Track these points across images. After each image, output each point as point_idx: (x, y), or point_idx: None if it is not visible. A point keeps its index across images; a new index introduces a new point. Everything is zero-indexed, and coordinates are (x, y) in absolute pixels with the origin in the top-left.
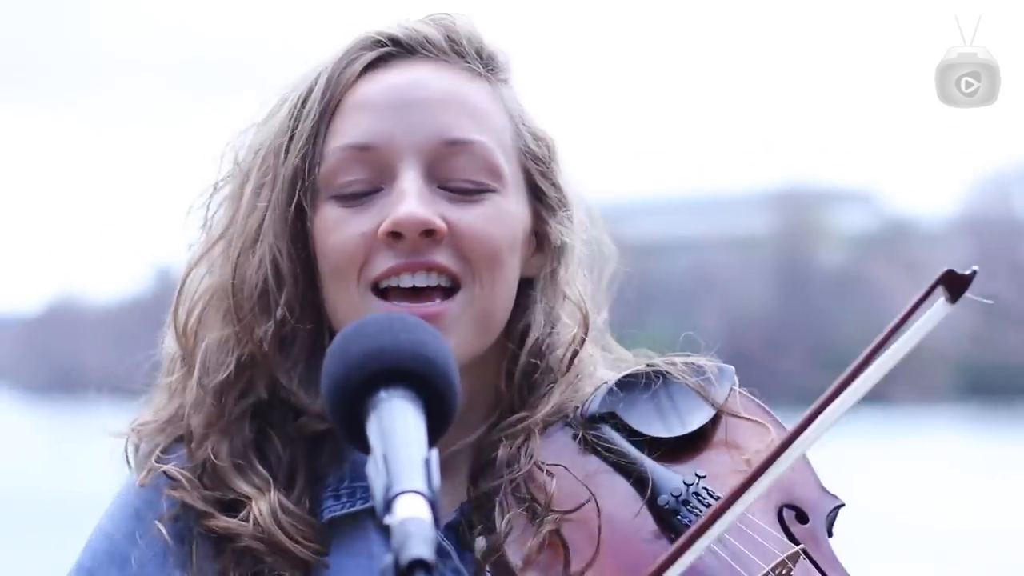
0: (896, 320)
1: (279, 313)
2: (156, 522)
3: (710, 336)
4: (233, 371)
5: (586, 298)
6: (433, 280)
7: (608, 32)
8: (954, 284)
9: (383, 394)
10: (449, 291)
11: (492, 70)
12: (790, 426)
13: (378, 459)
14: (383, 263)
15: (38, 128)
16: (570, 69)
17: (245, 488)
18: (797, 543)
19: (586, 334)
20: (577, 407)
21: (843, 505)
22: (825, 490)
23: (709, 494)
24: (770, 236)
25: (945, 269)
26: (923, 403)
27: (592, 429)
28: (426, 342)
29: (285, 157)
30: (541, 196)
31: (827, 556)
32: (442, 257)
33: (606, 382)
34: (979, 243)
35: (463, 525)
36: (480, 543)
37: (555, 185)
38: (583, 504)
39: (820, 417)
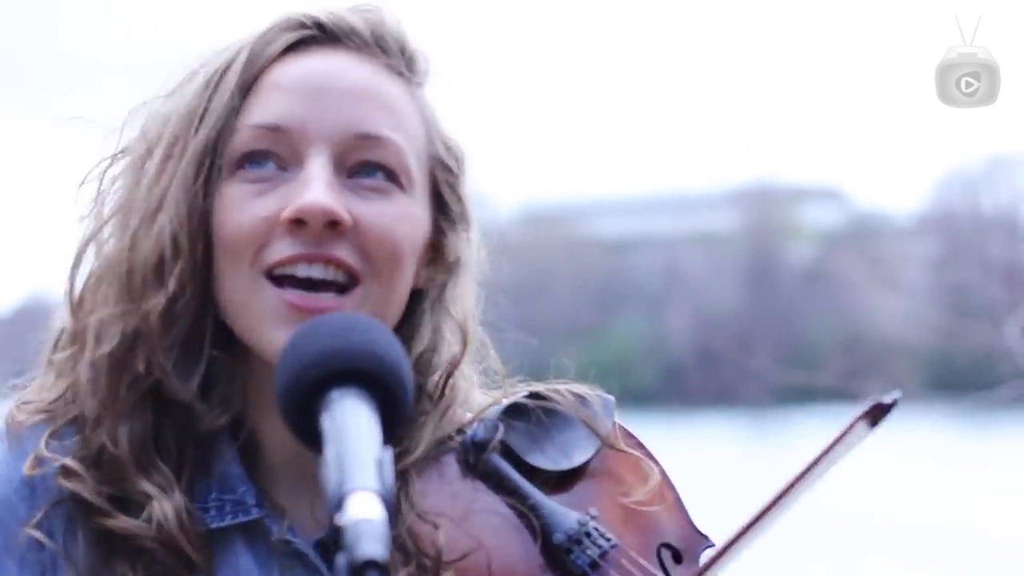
0: (824, 447)
1: (170, 286)
2: (28, 527)
3: (679, 333)
4: (119, 346)
5: (470, 318)
6: (330, 274)
7: (577, 29)
8: (877, 412)
9: (335, 394)
10: (344, 288)
11: (412, 71)
12: (663, 462)
13: (331, 458)
14: (281, 250)
15: (6, 131)
16: (539, 67)
17: (147, 486)
18: None
19: (462, 356)
20: (463, 432)
21: (712, 545)
22: (697, 529)
23: (600, 534)
24: (739, 233)
25: (872, 401)
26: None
27: (480, 457)
28: (378, 341)
29: (197, 129)
30: (444, 207)
31: None
32: (343, 252)
33: (494, 405)
34: (947, 239)
35: (333, 544)
36: None
37: (459, 198)
38: (469, 554)
39: (745, 535)
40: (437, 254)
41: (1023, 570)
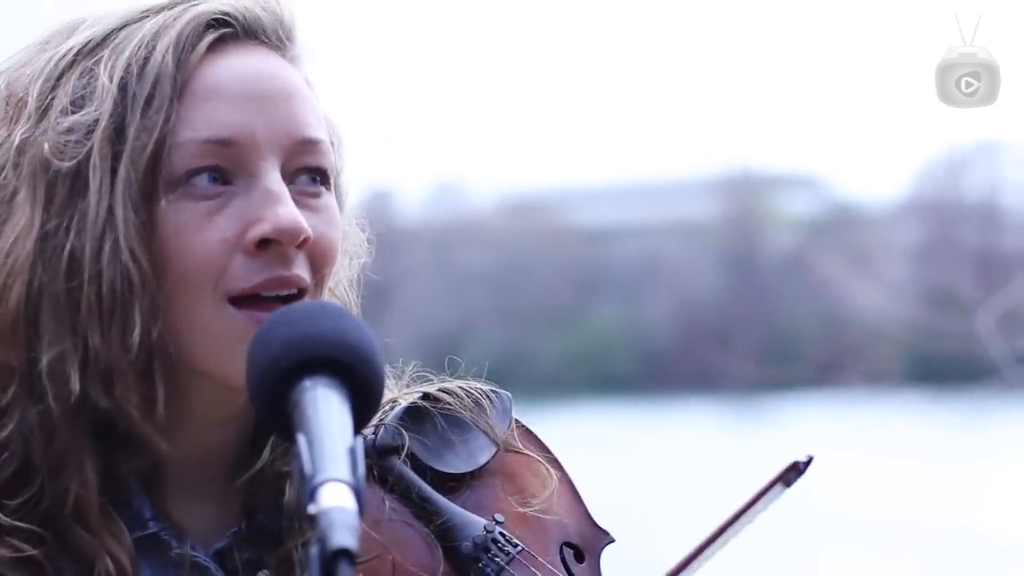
0: (742, 506)
1: (136, 317)
2: None
3: (659, 321)
4: (82, 384)
5: (351, 301)
6: (293, 292)
7: (557, 18)
8: (793, 473)
9: (307, 383)
10: (288, 299)
11: (302, 55)
12: (560, 457)
13: (302, 448)
14: (247, 276)
15: None
16: (519, 55)
17: (106, 539)
18: None
19: None
20: (364, 436)
21: (613, 540)
22: (597, 525)
23: (507, 540)
24: (718, 222)
25: (790, 462)
26: (870, 389)
27: (383, 463)
28: (350, 329)
29: (128, 143)
30: (337, 191)
31: None
32: (301, 269)
33: (394, 405)
34: (926, 228)
35: (232, 552)
36: None
37: (341, 176)
38: (374, 558)
39: None
40: None
41: (1003, 561)
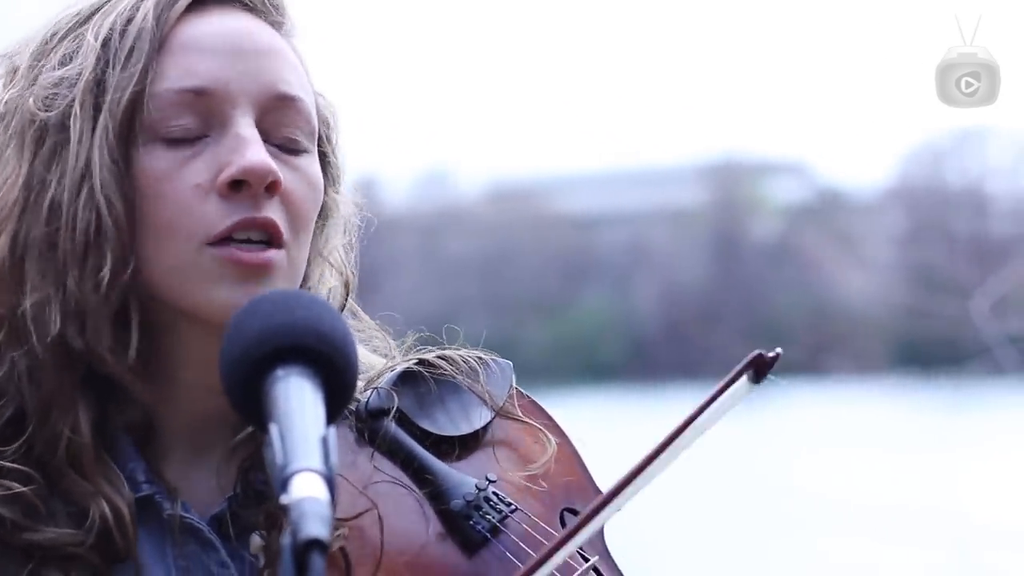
0: (706, 398)
1: (109, 260)
2: None
3: (646, 308)
4: (61, 328)
5: (348, 269)
6: (265, 237)
7: (542, 6)
8: (760, 366)
9: (280, 372)
10: (263, 245)
11: (291, 29)
12: (566, 428)
13: (275, 438)
14: (222, 218)
15: None
16: (505, 43)
17: (101, 484)
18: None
19: (346, 301)
20: (356, 399)
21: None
22: (600, 491)
23: (500, 499)
24: (704, 208)
25: (755, 352)
26: (858, 374)
27: (374, 425)
28: (322, 318)
29: (108, 94)
30: (325, 162)
31: (607, 558)
32: (275, 215)
33: (386, 372)
34: (912, 214)
35: (228, 518)
36: (255, 541)
37: (335, 153)
38: (363, 513)
39: (630, 485)
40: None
41: (991, 546)
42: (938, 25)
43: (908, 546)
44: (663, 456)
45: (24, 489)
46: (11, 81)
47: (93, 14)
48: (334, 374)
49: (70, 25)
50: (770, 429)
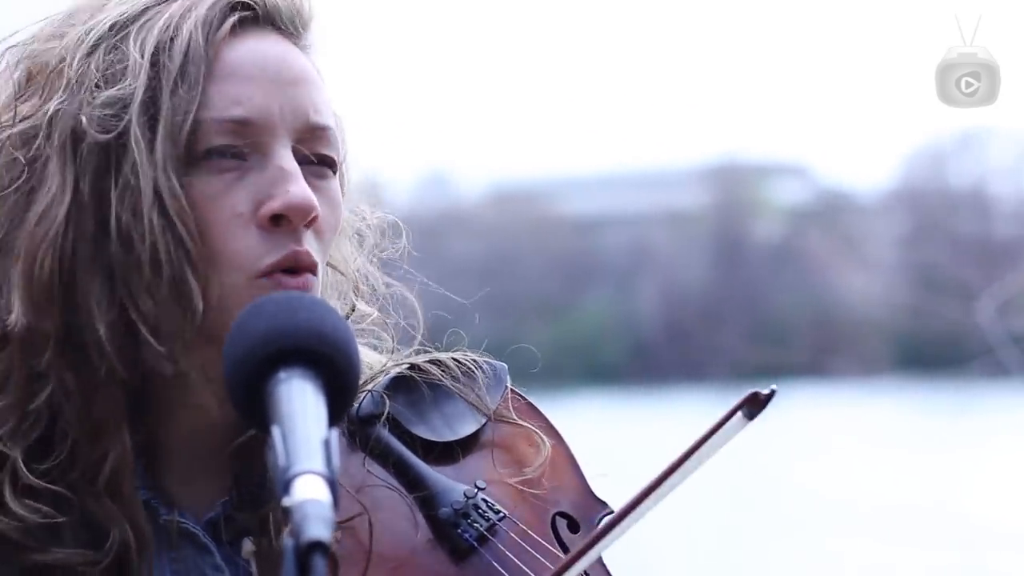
0: (703, 434)
1: (174, 286)
2: None
3: (648, 310)
4: (121, 349)
5: (359, 272)
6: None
7: (545, 9)
8: (755, 404)
9: (282, 374)
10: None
11: (313, 45)
12: (562, 432)
13: (277, 440)
14: (266, 252)
15: None
16: (507, 46)
17: (136, 508)
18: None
19: (353, 310)
20: None
21: (612, 511)
22: (594, 495)
23: (489, 506)
24: (706, 210)
25: (750, 392)
26: (861, 375)
27: (365, 431)
28: (324, 320)
29: (162, 116)
30: (340, 180)
31: (597, 566)
32: (312, 249)
33: (379, 377)
34: (915, 215)
35: (222, 522)
36: (247, 545)
37: (346, 165)
38: (354, 517)
39: (627, 517)
40: None
41: (995, 547)
42: (938, 25)
43: (911, 546)
44: (660, 489)
45: (50, 511)
46: (49, 83)
47: (131, 24)
48: (336, 376)
49: (108, 30)
50: (774, 430)
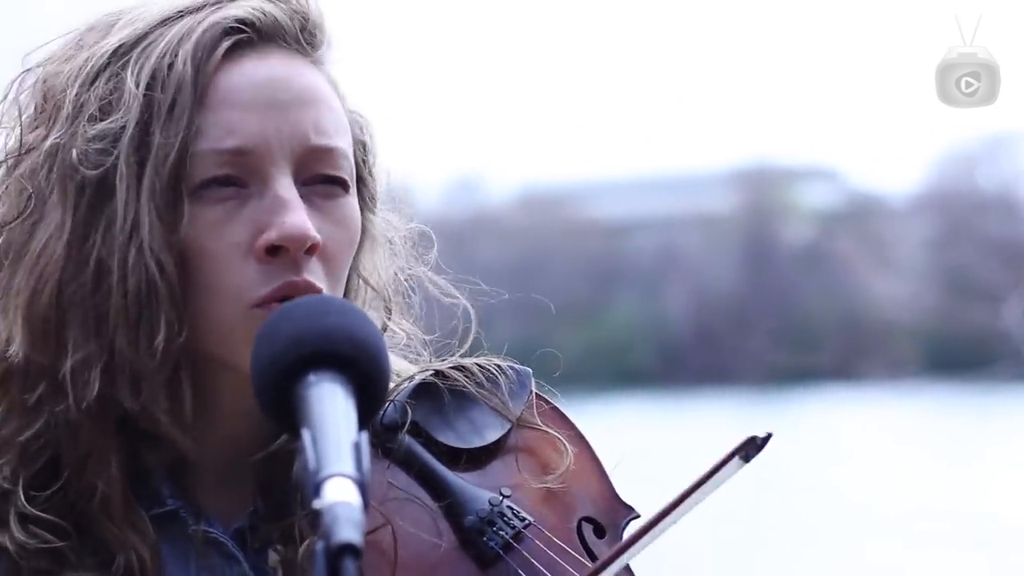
0: (699, 478)
1: (163, 322)
2: None
3: (677, 314)
4: (105, 387)
5: (388, 285)
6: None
7: (576, 13)
8: (751, 448)
9: (312, 377)
10: None
11: (328, 55)
12: (584, 430)
13: (307, 443)
14: (263, 283)
15: None
16: (537, 50)
17: (129, 534)
18: (594, 559)
19: (387, 323)
20: None
21: (638, 516)
22: (620, 500)
23: (514, 513)
24: (735, 214)
25: (747, 436)
26: (890, 378)
27: (390, 439)
28: (354, 323)
29: (153, 149)
30: (362, 186)
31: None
32: (315, 276)
33: (403, 385)
34: (944, 218)
35: (248, 532)
36: (273, 556)
37: (373, 175)
38: (377, 528)
39: (626, 552)
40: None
41: (1022, 548)
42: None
43: (938, 548)
44: (660, 526)
45: (59, 544)
46: (53, 113)
47: (132, 49)
48: (366, 380)
49: (107, 59)
50: (802, 433)
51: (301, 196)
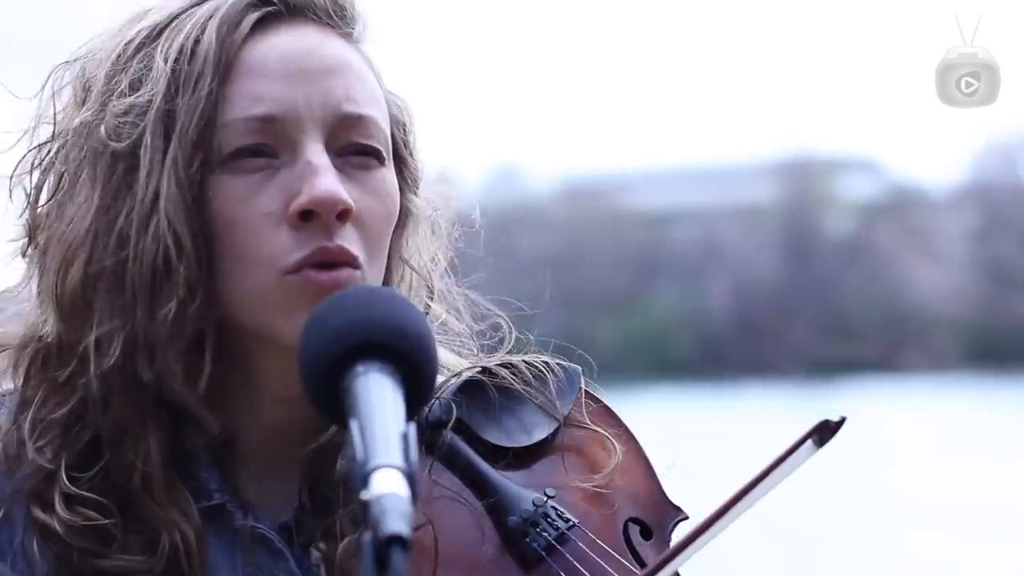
0: (773, 460)
1: (180, 292)
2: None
3: (718, 305)
4: (124, 358)
5: (433, 272)
6: (339, 261)
7: (615, 3)
8: (825, 431)
9: (360, 368)
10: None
11: (363, 33)
12: (635, 432)
13: (355, 434)
14: (295, 249)
15: None
16: (578, 41)
17: (172, 512)
18: (641, 562)
19: (429, 309)
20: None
21: (686, 517)
22: (669, 501)
23: (559, 515)
24: (777, 205)
25: (821, 420)
26: (932, 371)
27: (435, 436)
28: (402, 314)
29: (177, 122)
30: (402, 166)
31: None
32: (349, 242)
33: (456, 376)
34: (986, 210)
35: (294, 527)
36: (315, 553)
37: (413, 155)
38: (419, 527)
39: (697, 539)
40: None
41: None
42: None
43: (982, 543)
44: (729, 514)
45: (99, 518)
46: (83, 99)
47: (164, 29)
48: (414, 371)
49: (140, 40)
50: (845, 426)
51: (335, 167)
